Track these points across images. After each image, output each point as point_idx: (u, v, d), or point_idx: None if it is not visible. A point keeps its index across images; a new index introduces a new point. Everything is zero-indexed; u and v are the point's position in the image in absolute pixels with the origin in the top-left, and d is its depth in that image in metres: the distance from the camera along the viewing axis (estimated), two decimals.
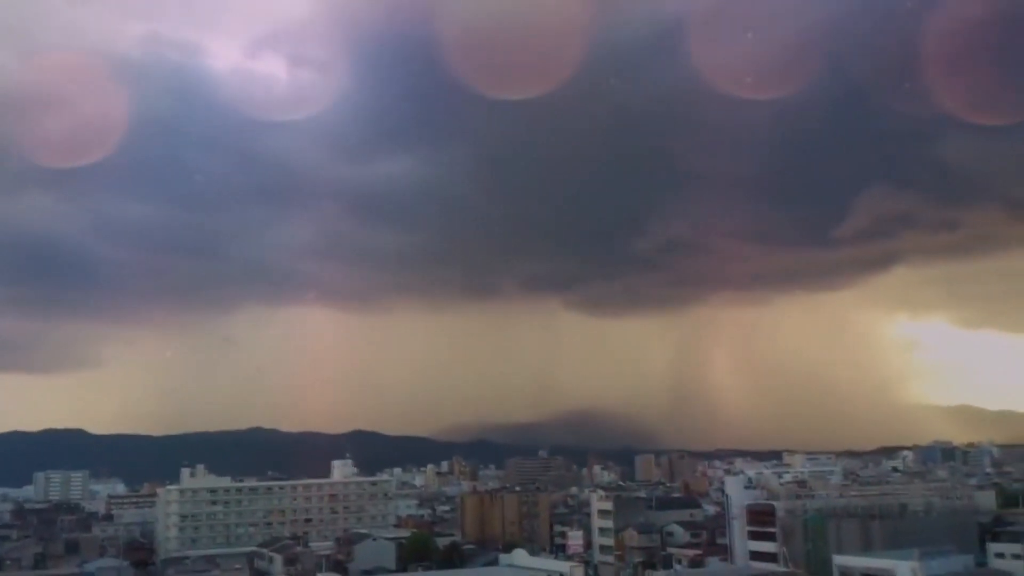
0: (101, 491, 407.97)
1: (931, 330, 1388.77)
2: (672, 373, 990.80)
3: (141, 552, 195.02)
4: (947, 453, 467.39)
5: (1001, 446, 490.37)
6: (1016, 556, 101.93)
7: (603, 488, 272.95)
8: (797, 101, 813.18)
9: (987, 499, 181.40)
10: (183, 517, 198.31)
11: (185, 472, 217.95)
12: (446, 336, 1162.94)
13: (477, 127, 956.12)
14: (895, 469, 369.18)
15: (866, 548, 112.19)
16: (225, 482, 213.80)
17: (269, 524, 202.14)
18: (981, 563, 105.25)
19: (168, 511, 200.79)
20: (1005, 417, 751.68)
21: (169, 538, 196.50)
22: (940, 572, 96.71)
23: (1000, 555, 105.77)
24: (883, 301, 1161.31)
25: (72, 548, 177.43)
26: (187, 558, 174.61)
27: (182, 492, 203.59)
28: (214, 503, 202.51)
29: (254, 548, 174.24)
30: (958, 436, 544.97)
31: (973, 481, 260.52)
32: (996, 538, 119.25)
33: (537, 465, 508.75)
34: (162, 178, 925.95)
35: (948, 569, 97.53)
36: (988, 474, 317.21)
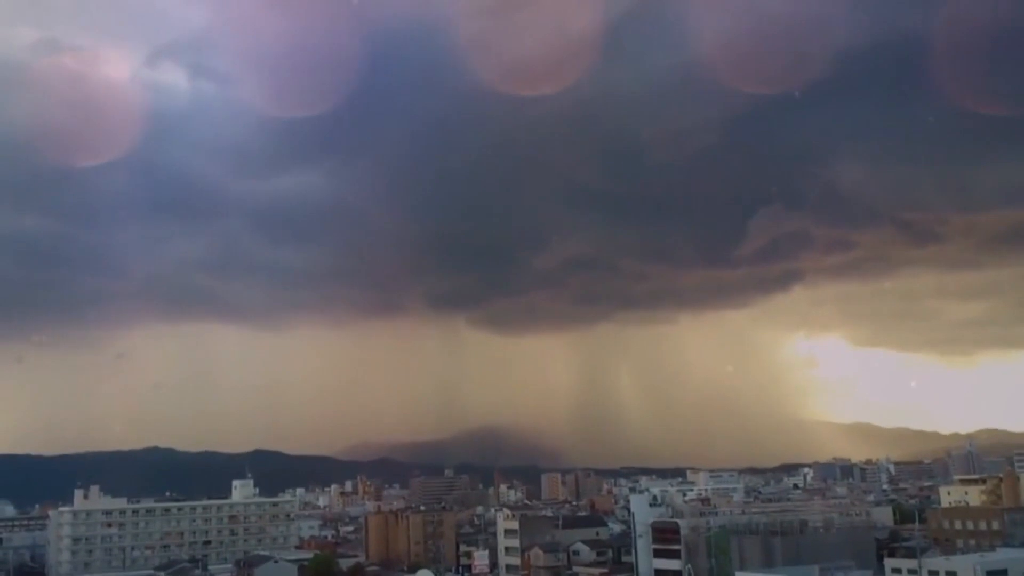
0: None
1: (828, 349, 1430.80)
2: (577, 391, 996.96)
3: None
4: (845, 470, 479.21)
5: (897, 463, 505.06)
6: (912, 571, 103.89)
7: (509, 507, 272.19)
8: (697, 122, 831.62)
9: (884, 515, 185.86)
10: (76, 540, 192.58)
11: (78, 493, 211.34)
12: (349, 353, 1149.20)
13: (381, 143, 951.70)
14: (796, 486, 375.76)
15: (768, 564, 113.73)
16: (120, 503, 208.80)
17: (166, 547, 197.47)
18: None
19: (60, 534, 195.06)
20: (900, 434, 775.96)
21: (61, 562, 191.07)
22: None
23: (897, 570, 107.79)
24: (782, 320, 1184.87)
25: None
26: None
27: (75, 514, 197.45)
28: (109, 525, 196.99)
29: (150, 572, 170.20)
30: (856, 453, 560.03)
31: (870, 497, 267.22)
32: (893, 553, 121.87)
33: (443, 484, 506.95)
34: (55, 189, 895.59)
35: None
36: (885, 490, 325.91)
